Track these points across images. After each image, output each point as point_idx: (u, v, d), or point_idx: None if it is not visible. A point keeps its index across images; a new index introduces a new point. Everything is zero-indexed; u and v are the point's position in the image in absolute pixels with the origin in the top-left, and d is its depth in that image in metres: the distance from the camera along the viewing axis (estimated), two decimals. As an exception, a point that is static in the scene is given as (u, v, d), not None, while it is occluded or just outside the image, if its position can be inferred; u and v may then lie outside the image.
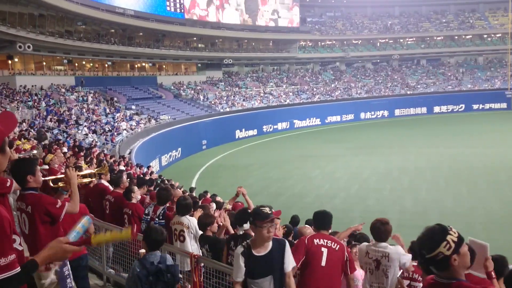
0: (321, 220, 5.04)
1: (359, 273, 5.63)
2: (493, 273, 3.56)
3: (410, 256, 4.82)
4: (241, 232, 5.06)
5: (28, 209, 4.20)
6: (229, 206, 9.17)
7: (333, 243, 4.77)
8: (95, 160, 13.27)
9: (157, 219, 6.59)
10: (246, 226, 4.95)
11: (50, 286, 4.38)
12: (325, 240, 4.78)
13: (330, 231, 5.16)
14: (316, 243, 4.79)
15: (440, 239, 2.53)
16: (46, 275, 4.30)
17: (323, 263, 4.68)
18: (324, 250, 4.71)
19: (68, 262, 4.60)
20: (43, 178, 4.68)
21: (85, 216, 2.89)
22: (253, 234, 5.24)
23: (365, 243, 5.24)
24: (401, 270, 4.93)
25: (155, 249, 4.46)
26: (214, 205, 10.15)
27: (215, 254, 5.62)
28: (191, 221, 5.90)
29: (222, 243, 5.67)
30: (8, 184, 4.12)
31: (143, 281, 4.25)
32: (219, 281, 4.89)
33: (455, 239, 2.55)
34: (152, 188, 10.17)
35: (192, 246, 5.90)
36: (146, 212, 6.89)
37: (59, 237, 2.43)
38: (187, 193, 11.80)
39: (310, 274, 4.77)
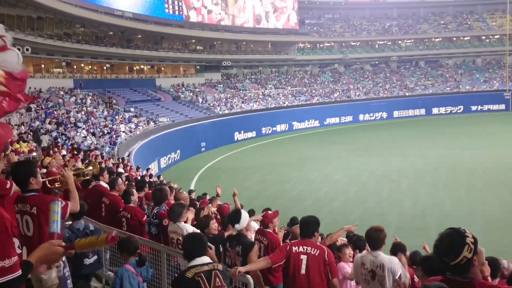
0: (303, 228, 5.00)
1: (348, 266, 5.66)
2: (489, 278, 3.55)
3: (402, 271, 4.76)
4: (234, 233, 5.13)
5: (33, 210, 4.19)
6: (213, 209, 9.15)
7: (313, 248, 4.71)
8: (89, 161, 13.24)
9: (152, 220, 6.68)
10: (238, 226, 5.07)
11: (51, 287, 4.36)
12: (304, 247, 4.74)
13: (317, 235, 5.09)
14: (294, 251, 4.77)
15: (461, 244, 2.51)
16: (45, 276, 4.27)
17: (303, 271, 4.66)
18: (304, 257, 4.67)
19: (67, 264, 4.59)
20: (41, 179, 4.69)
21: (51, 203, 2.82)
22: (246, 234, 5.30)
23: (359, 254, 5.18)
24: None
25: (78, 218, 5.72)
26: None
27: None
28: (185, 228, 5.83)
29: (218, 243, 5.73)
30: (8, 186, 4.11)
31: (73, 242, 4.68)
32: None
33: (472, 240, 2.54)
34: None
35: None
36: (147, 214, 6.99)
37: (51, 240, 2.43)
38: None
39: (290, 282, 4.78)
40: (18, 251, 2.37)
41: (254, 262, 4.81)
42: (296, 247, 4.77)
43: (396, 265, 4.66)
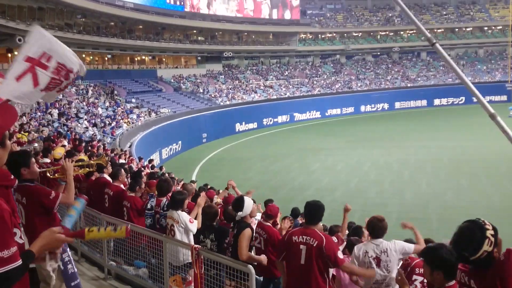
0: (309, 213, 4.77)
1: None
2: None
3: (409, 245, 4.88)
4: (237, 219, 5.39)
5: (24, 200, 4.28)
6: (219, 200, 9.19)
7: (311, 239, 4.51)
8: (96, 153, 13.26)
9: (162, 211, 6.64)
10: (241, 213, 5.33)
11: (53, 273, 4.38)
12: (304, 237, 4.55)
13: (320, 224, 4.99)
14: (294, 241, 4.59)
15: (481, 238, 2.44)
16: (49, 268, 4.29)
17: (302, 261, 4.52)
18: (303, 247, 4.52)
19: (68, 249, 4.61)
20: (40, 170, 4.70)
21: (77, 199, 2.81)
22: (250, 221, 5.44)
23: (361, 244, 5.11)
24: (401, 262, 4.96)
25: None
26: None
27: (221, 244, 5.74)
28: (181, 215, 5.84)
29: (226, 232, 5.89)
30: (12, 176, 4.13)
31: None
32: (219, 273, 4.92)
33: (492, 232, 2.46)
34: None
35: (184, 240, 5.89)
36: (149, 206, 6.93)
37: (52, 227, 2.43)
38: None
39: (290, 273, 4.72)
40: (21, 241, 2.38)
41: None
42: (296, 237, 4.61)
43: (400, 244, 4.81)
